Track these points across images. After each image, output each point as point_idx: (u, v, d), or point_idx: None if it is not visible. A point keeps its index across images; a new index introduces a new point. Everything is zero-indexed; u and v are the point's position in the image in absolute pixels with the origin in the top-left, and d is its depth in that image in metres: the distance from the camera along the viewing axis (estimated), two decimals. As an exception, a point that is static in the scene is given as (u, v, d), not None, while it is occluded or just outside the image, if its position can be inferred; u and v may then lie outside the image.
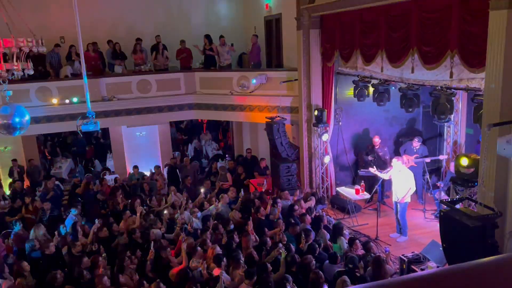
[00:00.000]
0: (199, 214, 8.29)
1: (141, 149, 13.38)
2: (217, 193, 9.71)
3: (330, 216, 9.18)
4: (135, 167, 11.91)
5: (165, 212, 8.15)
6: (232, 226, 7.61)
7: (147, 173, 11.82)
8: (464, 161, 5.92)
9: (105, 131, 14.43)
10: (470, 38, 5.57)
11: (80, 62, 9.44)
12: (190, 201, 9.14)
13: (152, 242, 6.64)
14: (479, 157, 5.64)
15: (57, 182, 10.99)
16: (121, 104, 11.61)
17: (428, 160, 9.34)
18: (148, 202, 9.15)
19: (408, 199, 8.19)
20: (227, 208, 8.59)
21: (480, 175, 5.25)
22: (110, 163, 14.18)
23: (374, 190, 8.89)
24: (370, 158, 9.76)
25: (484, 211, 4.71)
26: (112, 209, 9.17)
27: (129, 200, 9.12)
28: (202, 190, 9.53)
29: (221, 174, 11.00)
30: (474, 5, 5.43)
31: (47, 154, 15.13)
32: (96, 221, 7.61)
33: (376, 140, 9.79)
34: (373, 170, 8.72)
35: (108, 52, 12.65)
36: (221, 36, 12.28)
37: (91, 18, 12.32)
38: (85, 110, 7.97)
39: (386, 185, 9.34)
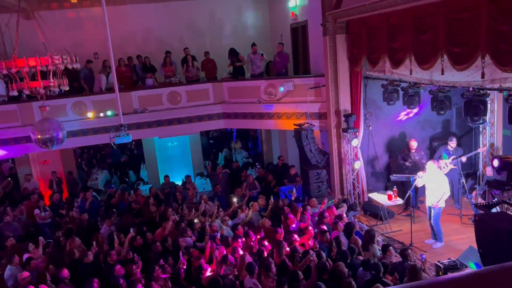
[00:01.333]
0: (229, 222, 8.36)
1: (173, 159, 13.66)
2: (247, 201, 9.76)
3: (363, 223, 9.04)
4: (166, 176, 12.18)
5: (196, 220, 8.27)
6: (262, 234, 7.64)
7: (179, 183, 12.04)
8: (496, 163, 5.72)
9: (138, 143, 14.84)
10: (501, 37, 5.40)
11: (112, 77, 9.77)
12: (221, 209, 9.25)
13: (183, 251, 6.76)
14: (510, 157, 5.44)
15: (94, 193, 11.37)
16: (152, 116, 11.92)
17: (464, 159, 9.00)
18: (180, 211, 9.32)
19: (442, 204, 7.95)
20: (258, 216, 8.63)
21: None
22: (144, 174, 14.54)
23: (407, 196, 8.68)
24: (407, 163, 9.51)
25: (522, 215, 4.54)
26: (146, 218, 9.40)
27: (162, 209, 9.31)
28: (234, 199, 9.62)
29: (248, 182, 11.05)
30: (504, 3, 5.27)
31: (84, 166, 15.69)
32: (131, 230, 7.81)
33: (413, 143, 9.52)
34: (420, 174, 8.23)
35: (138, 66, 13.04)
36: (253, 44, 12.44)
37: (122, 34, 12.80)
38: (118, 123, 8.26)
39: (420, 190, 9.10)
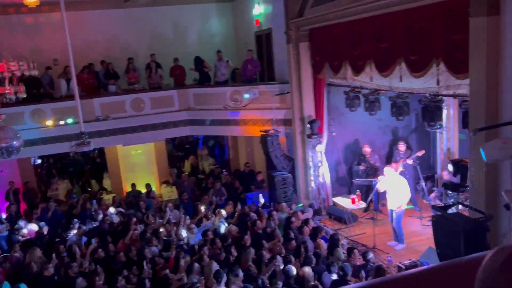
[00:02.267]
0: (196, 230, 8.29)
1: (137, 167, 13.41)
2: (214, 208, 9.72)
3: (328, 227, 9.18)
4: (133, 184, 11.94)
5: (161, 229, 8.15)
6: (229, 241, 7.62)
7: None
8: (450, 168, 6.00)
9: (101, 151, 14.48)
10: (453, 45, 5.68)
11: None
12: (187, 217, 9.16)
13: (148, 260, 6.65)
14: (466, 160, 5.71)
15: (54, 204, 10.98)
16: (115, 123, 11.67)
17: (410, 161, 9.30)
18: (145, 219, 9.16)
19: (404, 207, 8.21)
20: (225, 223, 8.60)
21: (469, 179, 5.31)
22: (107, 183, 14.19)
23: (369, 199, 8.91)
24: (361, 167, 9.81)
25: (476, 215, 4.76)
26: (109, 228, 9.16)
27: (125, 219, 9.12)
28: (202, 207, 9.55)
29: (215, 189, 11.01)
30: (456, 14, 5.55)
31: (43, 176, 15.13)
32: (93, 241, 7.61)
33: (367, 149, 9.87)
34: (381, 178, 8.43)
35: (101, 73, 12.77)
36: (218, 51, 12.43)
37: (85, 40, 12.50)
38: (80, 131, 8.05)
39: (381, 193, 9.36)
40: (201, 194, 11.64)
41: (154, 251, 7.38)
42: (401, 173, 8.90)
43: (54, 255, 7.65)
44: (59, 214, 10.69)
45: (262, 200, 9.57)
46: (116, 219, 9.57)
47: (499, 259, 0.81)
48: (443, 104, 7.83)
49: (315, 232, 7.77)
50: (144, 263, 6.64)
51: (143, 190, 11.97)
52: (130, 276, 6.46)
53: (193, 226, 8.36)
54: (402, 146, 9.51)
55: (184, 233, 8.02)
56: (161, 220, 8.83)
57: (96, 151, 15.14)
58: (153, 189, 12.67)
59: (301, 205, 9.57)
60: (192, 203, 10.89)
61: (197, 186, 13.10)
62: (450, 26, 5.73)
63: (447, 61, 5.85)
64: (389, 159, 10.18)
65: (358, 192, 9.36)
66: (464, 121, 6.30)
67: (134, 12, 13.40)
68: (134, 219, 8.62)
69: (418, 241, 8.42)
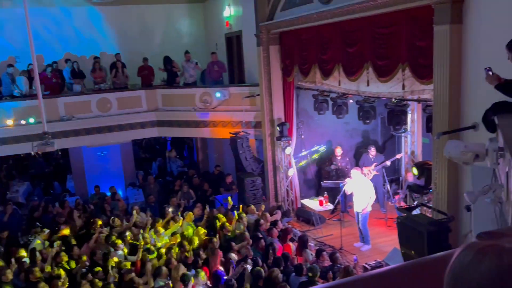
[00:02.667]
0: (163, 233, 8.15)
1: (102, 169, 13.09)
2: (182, 211, 9.60)
3: (296, 229, 9.26)
4: (96, 187, 11.63)
5: (128, 233, 7.97)
6: (197, 244, 7.55)
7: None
8: (415, 171, 6.18)
9: (65, 152, 14.03)
10: (418, 51, 5.87)
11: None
12: (154, 220, 8.99)
13: (114, 264, 6.48)
14: (430, 163, 5.90)
15: (14, 206, 10.53)
16: (80, 123, 11.34)
17: (388, 162, 9.57)
18: (111, 222, 8.93)
19: (369, 208, 8.39)
20: (193, 226, 8.50)
21: (433, 181, 5.49)
22: (70, 185, 13.77)
23: (336, 201, 9.06)
24: (333, 167, 9.98)
25: (438, 216, 4.92)
26: (72, 232, 8.87)
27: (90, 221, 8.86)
28: (170, 209, 9.41)
29: (183, 192, 10.87)
30: (421, 21, 5.74)
31: (2, 178, 14.50)
32: (55, 245, 7.34)
33: (338, 150, 10.04)
34: (348, 180, 8.62)
35: (66, 71, 12.39)
36: (186, 52, 12.27)
37: (49, 37, 12.10)
38: (42, 131, 7.77)
39: (348, 195, 9.54)
40: (168, 196, 11.46)
41: (120, 255, 7.21)
42: (374, 176, 9.15)
43: (13, 260, 7.32)
44: (18, 217, 10.26)
45: (231, 203, 9.53)
46: (79, 222, 9.28)
47: (469, 255, 0.84)
48: (408, 109, 8.07)
49: (284, 234, 7.82)
50: (110, 266, 6.47)
51: (109, 193, 11.68)
52: (95, 280, 6.28)
53: (160, 228, 8.21)
54: (373, 151, 9.72)
55: (151, 236, 7.87)
56: (127, 223, 8.63)
57: (59, 152, 14.66)
58: (119, 191, 12.40)
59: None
60: (159, 205, 10.71)
61: (164, 189, 12.91)
62: (415, 33, 5.91)
63: (412, 67, 6.03)
64: (357, 162, 10.39)
65: (325, 194, 9.49)
66: (428, 126, 6.50)
67: (100, 10, 13.09)
68: (99, 222, 8.39)
69: (383, 242, 8.62)
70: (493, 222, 3.45)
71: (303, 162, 10.43)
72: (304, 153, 10.40)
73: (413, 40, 5.97)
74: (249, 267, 6.29)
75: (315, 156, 10.51)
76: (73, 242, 7.89)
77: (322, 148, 10.57)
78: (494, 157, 3.34)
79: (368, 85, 7.32)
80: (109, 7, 13.00)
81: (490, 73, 3.79)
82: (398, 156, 9.83)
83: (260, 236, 7.58)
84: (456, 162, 3.73)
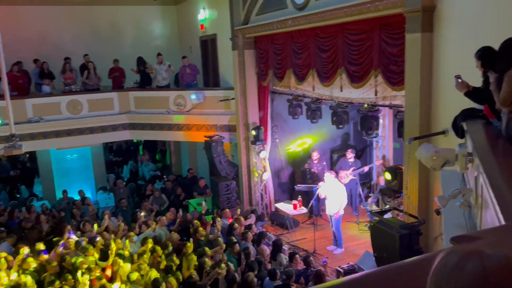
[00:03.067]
0: (135, 238, 8.00)
1: (72, 172, 12.75)
2: (155, 215, 9.46)
3: (270, 233, 9.27)
4: (64, 191, 11.33)
5: (98, 238, 7.77)
6: (171, 249, 7.45)
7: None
8: (388, 176, 6.32)
9: (32, 155, 13.59)
10: (390, 58, 6.01)
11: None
12: (126, 225, 8.82)
13: (84, 270, 6.31)
14: (402, 167, 6.04)
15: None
16: (49, 125, 11.01)
17: (366, 168, 9.74)
18: (81, 227, 8.70)
19: (341, 212, 8.51)
20: (166, 231, 8.39)
21: (404, 186, 5.62)
22: (38, 189, 13.34)
23: (310, 205, 9.14)
24: (306, 165, 10.08)
25: (410, 219, 5.03)
26: (39, 237, 8.59)
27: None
28: (142, 214, 9.25)
29: (155, 197, 10.70)
30: (393, 29, 5.88)
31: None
32: (22, 251, 7.07)
33: (315, 154, 10.12)
34: (321, 184, 8.69)
35: (35, 72, 12.02)
36: (159, 54, 12.10)
37: (14, 36, 11.69)
38: (9, 133, 7.50)
39: (322, 199, 9.64)
40: (140, 201, 11.28)
41: (91, 261, 7.01)
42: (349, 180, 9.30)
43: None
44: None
45: (205, 207, 9.46)
46: (47, 227, 9.01)
47: (453, 259, 0.86)
48: (379, 114, 8.24)
49: (258, 238, 7.82)
50: (80, 272, 6.29)
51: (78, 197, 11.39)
52: (64, 287, 6.09)
53: (132, 233, 8.06)
54: (349, 155, 9.85)
55: (122, 241, 7.70)
56: (98, 228, 8.43)
57: (27, 155, 14.19)
58: (89, 195, 12.11)
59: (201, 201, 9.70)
60: (131, 210, 10.52)
61: (136, 193, 12.70)
62: (388, 40, 6.05)
63: (384, 73, 6.17)
64: (332, 166, 10.52)
65: (299, 198, 9.56)
66: (399, 131, 6.66)
67: (71, 10, 12.78)
68: (68, 227, 8.16)
69: (356, 245, 8.75)
70: (462, 225, 3.55)
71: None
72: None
73: (385, 47, 6.11)
74: (223, 272, 6.25)
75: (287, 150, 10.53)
76: (41, 247, 7.63)
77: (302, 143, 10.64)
78: (464, 162, 3.44)
79: (341, 90, 7.44)
80: (79, 7, 12.70)
81: (460, 80, 3.92)
82: (377, 163, 10.03)
83: (235, 240, 7.55)
84: (425, 165, 3.83)
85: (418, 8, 5.05)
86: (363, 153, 10.99)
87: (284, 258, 7.23)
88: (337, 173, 9.27)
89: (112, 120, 11.77)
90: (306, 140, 10.66)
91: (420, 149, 3.91)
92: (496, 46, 3.44)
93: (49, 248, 7.67)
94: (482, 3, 4.52)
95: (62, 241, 7.56)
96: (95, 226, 8.39)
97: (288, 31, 8.32)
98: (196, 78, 12.21)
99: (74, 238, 7.69)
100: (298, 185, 10.04)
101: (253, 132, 9.90)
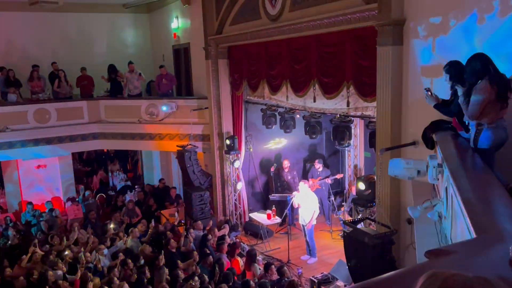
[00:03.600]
0: (105, 251, 7.79)
1: (39, 183, 12.33)
2: (126, 227, 9.24)
3: (244, 243, 9.22)
4: (29, 203, 10.94)
5: (67, 252, 7.52)
6: (142, 261, 7.28)
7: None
8: (362, 186, 6.41)
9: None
10: (362, 70, 6.12)
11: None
12: (96, 237, 8.57)
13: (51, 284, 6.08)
14: (374, 177, 6.14)
15: None
16: (15, 135, 10.63)
17: (328, 180, 9.85)
18: (49, 240, 8.40)
19: (314, 222, 8.55)
20: (138, 243, 8.21)
21: (376, 195, 5.71)
22: (1, 201, 12.82)
23: (284, 214, 9.15)
24: (272, 170, 10.17)
25: (382, 229, 5.10)
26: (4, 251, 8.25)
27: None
28: (111, 226, 9.02)
29: (128, 209, 10.46)
30: (365, 42, 6.00)
31: None
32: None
33: (286, 163, 10.17)
34: (295, 193, 8.73)
35: (0, 80, 11.61)
36: (130, 63, 11.91)
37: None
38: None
39: (296, 208, 9.67)
40: (110, 212, 11.00)
41: (59, 275, 6.77)
42: (317, 190, 9.35)
43: None
44: None
45: (178, 218, 9.32)
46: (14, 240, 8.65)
47: (434, 284, 0.86)
48: (351, 124, 8.38)
49: (232, 249, 7.75)
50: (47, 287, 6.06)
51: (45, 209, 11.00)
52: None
53: (102, 246, 7.83)
54: (318, 164, 9.94)
55: (92, 254, 7.48)
56: (67, 241, 8.16)
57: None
58: (57, 207, 11.73)
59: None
60: (101, 222, 10.24)
61: (106, 204, 12.39)
62: (359, 52, 6.17)
63: (356, 85, 6.28)
64: (304, 175, 10.59)
65: (273, 208, 9.56)
66: (371, 141, 6.78)
67: (40, 16, 12.43)
68: (36, 240, 7.86)
69: (329, 254, 8.81)
70: (433, 235, 3.63)
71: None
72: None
73: (358, 59, 6.23)
74: (196, 285, 6.15)
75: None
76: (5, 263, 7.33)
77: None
78: (434, 173, 3.53)
79: (314, 101, 7.51)
80: (49, 13, 12.37)
81: (429, 93, 4.03)
82: (338, 176, 10.16)
83: (208, 252, 7.46)
84: (402, 178, 3.90)
85: (389, 22, 5.18)
86: (329, 162, 11.10)
87: (258, 268, 7.19)
88: (309, 182, 9.34)
89: (81, 129, 11.47)
90: (280, 140, 10.67)
91: (390, 167, 3.99)
92: (464, 60, 3.57)
93: (15, 263, 7.37)
94: (450, 17, 4.67)
95: (28, 255, 7.28)
96: (64, 239, 8.13)
97: (262, 42, 8.37)
98: (172, 88, 12.08)
99: (38, 251, 7.42)
100: (273, 194, 10.06)
101: (227, 142, 9.87)
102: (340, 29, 6.30)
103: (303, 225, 8.65)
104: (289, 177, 10.16)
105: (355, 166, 10.73)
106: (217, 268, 6.80)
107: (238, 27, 8.95)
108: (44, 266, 7.01)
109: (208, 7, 9.72)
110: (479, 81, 3.28)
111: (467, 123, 3.60)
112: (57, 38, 12.77)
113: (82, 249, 7.76)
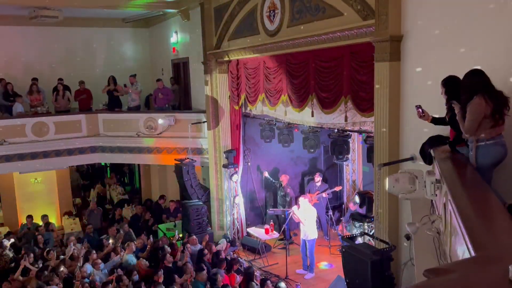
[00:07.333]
0: (102, 265, 7.70)
1: (36, 197, 12.27)
2: (123, 241, 9.15)
3: (242, 258, 9.13)
4: (29, 216, 10.85)
5: (62, 268, 7.43)
6: (136, 277, 7.20)
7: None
8: (357, 200, 6.38)
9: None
10: (360, 85, 6.16)
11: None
12: (93, 252, 8.48)
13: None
14: (372, 193, 6.12)
15: None
16: (13, 148, 10.60)
17: (325, 194, 9.81)
18: (45, 255, 8.30)
19: (315, 236, 8.49)
20: (134, 258, 8.12)
21: (374, 211, 5.68)
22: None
23: (282, 229, 9.09)
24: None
25: (381, 245, 5.06)
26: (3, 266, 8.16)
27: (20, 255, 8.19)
28: (110, 241, 8.93)
29: (125, 230, 10.33)
30: (362, 57, 6.05)
31: None
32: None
33: (284, 178, 10.14)
34: (295, 209, 8.69)
35: (-1, 93, 11.64)
36: (132, 75, 12.03)
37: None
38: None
39: (293, 223, 9.61)
40: (108, 226, 10.91)
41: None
42: (315, 204, 9.30)
43: None
44: None
45: (177, 236, 9.24)
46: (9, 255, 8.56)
47: None
48: (349, 139, 8.39)
49: (230, 265, 7.67)
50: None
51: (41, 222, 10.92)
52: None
53: (99, 261, 7.75)
54: (317, 178, 9.92)
55: (88, 269, 7.40)
56: (63, 256, 8.07)
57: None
58: (53, 220, 11.65)
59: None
60: (98, 235, 10.15)
61: (103, 217, 12.29)
62: (357, 68, 6.21)
63: (354, 100, 6.31)
64: (302, 190, 10.56)
65: (271, 222, 9.50)
66: (369, 155, 6.78)
67: (41, 31, 12.54)
68: (31, 255, 7.77)
69: (327, 270, 8.73)
70: (432, 251, 3.60)
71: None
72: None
73: (355, 75, 6.27)
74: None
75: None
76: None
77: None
78: (432, 189, 3.52)
79: (312, 116, 7.53)
80: (51, 27, 12.47)
81: (420, 110, 4.04)
82: (336, 188, 10.13)
83: (204, 267, 7.38)
84: (404, 194, 3.87)
85: (386, 38, 5.22)
86: (328, 176, 11.07)
87: (255, 286, 7.10)
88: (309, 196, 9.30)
89: (79, 143, 11.45)
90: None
91: (389, 184, 3.97)
92: (461, 75, 3.59)
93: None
94: (447, 34, 4.72)
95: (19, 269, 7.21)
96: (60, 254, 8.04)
97: (260, 57, 8.42)
98: (169, 102, 12.11)
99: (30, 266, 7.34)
100: (271, 209, 10.01)
101: (225, 156, 9.85)
102: (337, 44, 6.34)
103: (303, 240, 8.59)
104: (287, 191, 10.11)
105: (354, 181, 10.70)
106: (208, 285, 6.71)
107: (236, 42, 9.02)
108: (39, 282, 6.93)
109: (207, 22, 9.81)
110: (474, 96, 3.30)
111: (466, 140, 3.60)
112: (57, 51, 12.88)
113: (78, 264, 7.67)
